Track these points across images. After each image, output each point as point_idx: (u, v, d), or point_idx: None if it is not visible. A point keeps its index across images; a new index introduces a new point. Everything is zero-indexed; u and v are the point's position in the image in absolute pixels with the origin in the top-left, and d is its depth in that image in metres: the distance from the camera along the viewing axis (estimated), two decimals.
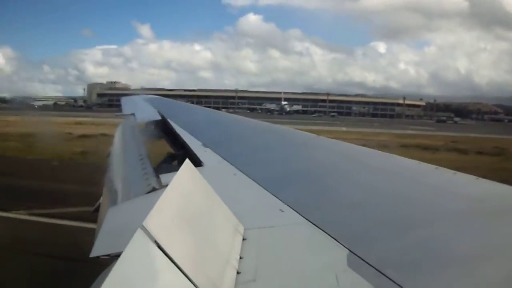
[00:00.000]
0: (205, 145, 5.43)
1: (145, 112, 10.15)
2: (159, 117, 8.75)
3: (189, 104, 14.84)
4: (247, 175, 3.96)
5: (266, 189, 3.49)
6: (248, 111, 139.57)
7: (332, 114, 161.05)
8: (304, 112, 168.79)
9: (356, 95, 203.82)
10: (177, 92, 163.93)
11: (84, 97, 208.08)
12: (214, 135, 6.90)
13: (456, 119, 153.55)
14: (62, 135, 42.94)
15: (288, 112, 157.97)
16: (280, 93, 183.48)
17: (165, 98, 15.26)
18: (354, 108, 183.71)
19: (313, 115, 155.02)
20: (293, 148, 5.84)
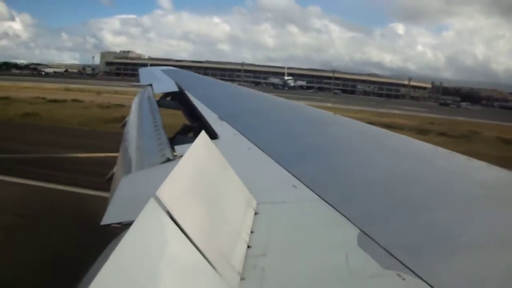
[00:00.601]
0: (221, 118, 5.41)
1: (162, 83, 10.14)
2: (176, 89, 8.74)
3: (206, 77, 14.81)
4: (262, 150, 3.95)
5: (280, 165, 3.48)
6: (254, 84, 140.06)
7: (336, 91, 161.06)
8: (309, 87, 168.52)
9: (369, 75, 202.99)
10: (184, 63, 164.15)
11: (93, 66, 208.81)
12: (231, 109, 6.89)
13: (463, 103, 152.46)
14: (34, 100, 46.83)
15: (293, 87, 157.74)
16: (285, 68, 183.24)
17: (183, 70, 15.19)
18: (358, 86, 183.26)
19: (309, 90, 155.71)
20: (309, 125, 5.81)
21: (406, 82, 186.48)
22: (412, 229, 2.36)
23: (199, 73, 18.01)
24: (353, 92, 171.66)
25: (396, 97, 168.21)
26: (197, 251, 1.70)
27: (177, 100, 8.39)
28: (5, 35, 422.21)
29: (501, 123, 63.26)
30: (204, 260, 1.71)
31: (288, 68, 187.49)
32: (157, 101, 8.02)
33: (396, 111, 71.62)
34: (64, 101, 49.76)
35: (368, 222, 2.36)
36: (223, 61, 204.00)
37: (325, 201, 2.68)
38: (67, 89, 69.41)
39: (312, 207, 2.67)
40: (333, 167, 3.68)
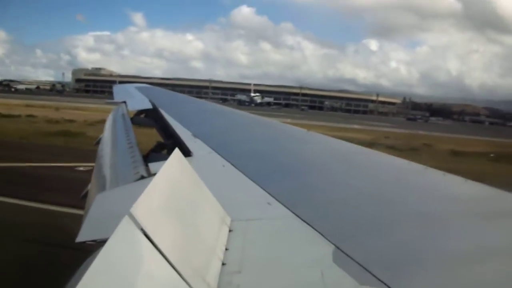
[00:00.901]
0: (195, 135, 5.42)
1: (136, 100, 10.11)
2: (150, 106, 8.72)
3: (180, 94, 14.78)
4: (235, 167, 3.96)
5: (254, 182, 3.49)
6: (221, 101, 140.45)
7: (302, 107, 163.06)
8: (276, 104, 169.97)
9: (339, 91, 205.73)
10: (154, 80, 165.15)
11: (63, 83, 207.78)
12: (205, 126, 6.90)
13: (433, 118, 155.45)
14: None
15: (260, 104, 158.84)
16: (251, 84, 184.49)
17: (156, 87, 15.18)
18: (326, 102, 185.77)
19: (273, 107, 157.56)
20: (283, 142, 5.84)
21: (374, 98, 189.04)
22: (387, 244, 2.38)
23: (169, 90, 18.01)
24: (320, 108, 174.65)
25: (364, 112, 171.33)
26: (172, 268, 1.70)
27: (151, 117, 8.38)
28: None
29: (462, 136, 65.47)
30: (179, 277, 1.71)
31: (256, 85, 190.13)
32: (131, 119, 8.00)
33: (356, 126, 72.76)
34: (18, 116, 50.55)
35: (343, 238, 2.37)
36: (191, 78, 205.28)
37: (300, 218, 2.68)
38: (28, 105, 69.94)
39: (286, 223, 2.68)
40: (308, 184, 3.70)
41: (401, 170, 4.08)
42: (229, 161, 4.14)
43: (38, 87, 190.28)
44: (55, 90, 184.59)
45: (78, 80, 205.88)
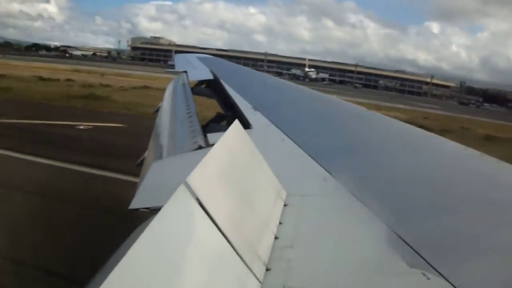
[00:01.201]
0: (255, 108, 5.41)
1: (197, 70, 10.17)
2: (211, 77, 8.76)
3: (242, 66, 14.78)
4: (294, 141, 3.93)
5: (311, 157, 3.46)
6: (275, 74, 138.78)
7: (356, 85, 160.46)
8: (331, 80, 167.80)
9: (396, 71, 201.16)
10: (209, 51, 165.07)
11: (119, 50, 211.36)
12: (265, 99, 6.87)
13: (486, 104, 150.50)
14: (25, 77, 49.24)
15: (315, 79, 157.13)
16: (306, 59, 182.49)
17: (218, 59, 15.23)
18: (380, 81, 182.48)
19: (324, 82, 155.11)
20: (342, 119, 5.77)
21: (428, 80, 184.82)
22: (440, 229, 2.33)
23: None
24: (375, 87, 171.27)
25: (418, 94, 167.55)
26: (225, 239, 1.70)
27: (211, 88, 8.42)
28: (40, 16, 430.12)
29: (508, 123, 62.38)
30: (231, 249, 1.71)
31: (311, 60, 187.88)
32: (192, 88, 8.05)
33: (401, 105, 70.75)
34: (57, 80, 51.09)
35: (396, 219, 2.34)
36: (247, 51, 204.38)
37: (355, 196, 2.65)
38: (75, 70, 71.19)
39: (341, 201, 2.65)
40: (365, 162, 3.65)
41: (459, 155, 3.96)
42: (288, 135, 4.11)
43: (94, 54, 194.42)
44: (110, 57, 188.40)
45: (134, 48, 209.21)
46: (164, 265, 1.38)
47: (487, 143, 33.21)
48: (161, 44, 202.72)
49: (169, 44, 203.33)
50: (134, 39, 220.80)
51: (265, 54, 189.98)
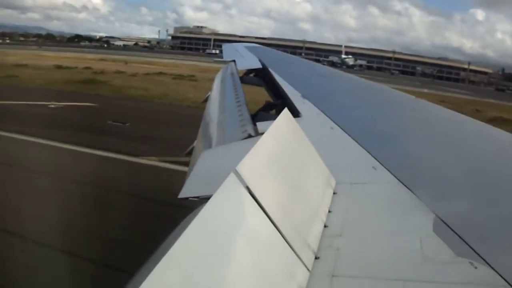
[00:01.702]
0: (304, 96, 5.39)
1: (246, 59, 10.20)
2: (259, 66, 8.77)
3: (289, 55, 14.73)
4: (343, 130, 3.90)
5: (361, 145, 3.43)
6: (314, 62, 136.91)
7: (392, 71, 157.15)
8: (369, 67, 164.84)
9: (439, 58, 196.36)
10: (248, 39, 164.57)
11: (159, 40, 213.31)
12: (314, 87, 6.84)
13: None
14: (44, 67, 50.98)
15: (351, 66, 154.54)
16: (343, 46, 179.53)
17: (266, 47, 15.20)
18: (418, 68, 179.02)
19: (354, 68, 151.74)
20: (392, 107, 5.69)
21: (466, 66, 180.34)
22: (488, 218, 2.29)
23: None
24: (413, 74, 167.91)
25: (456, 80, 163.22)
26: (274, 228, 1.71)
27: (260, 77, 8.43)
28: (84, 8, 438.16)
29: None
30: (281, 237, 1.72)
31: (348, 47, 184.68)
32: (240, 77, 8.08)
33: (425, 90, 68.43)
34: (74, 68, 52.10)
35: (444, 208, 2.31)
36: (285, 38, 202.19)
37: (404, 184, 2.63)
38: (102, 59, 71.79)
39: (390, 189, 2.63)
40: (414, 151, 3.61)
41: (509, 144, 3.85)
42: (337, 124, 4.09)
43: (136, 44, 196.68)
44: (149, 47, 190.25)
45: (174, 37, 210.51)
46: (215, 253, 1.40)
47: (490, 123, 32.47)
48: (202, 33, 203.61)
49: (210, 33, 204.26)
50: (176, 29, 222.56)
51: (303, 41, 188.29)
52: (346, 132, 3.83)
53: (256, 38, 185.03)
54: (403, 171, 2.86)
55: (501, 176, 2.99)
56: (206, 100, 8.31)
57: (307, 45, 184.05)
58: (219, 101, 6.61)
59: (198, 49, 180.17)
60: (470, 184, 2.79)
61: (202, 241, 1.38)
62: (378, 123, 4.55)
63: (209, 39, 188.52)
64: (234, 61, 9.85)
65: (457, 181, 2.84)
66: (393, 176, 2.78)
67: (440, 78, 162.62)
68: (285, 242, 1.74)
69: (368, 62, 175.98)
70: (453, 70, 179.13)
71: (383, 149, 3.43)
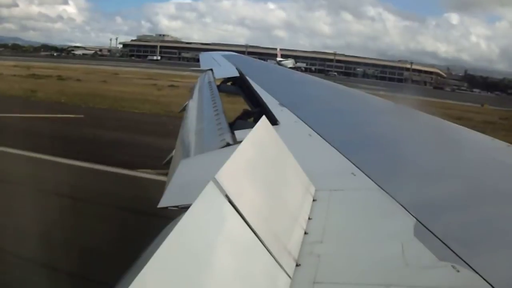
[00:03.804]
0: (282, 104, 5.40)
1: (223, 68, 10.21)
2: (237, 74, 8.77)
3: (267, 63, 14.80)
4: (322, 137, 3.92)
5: (340, 152, 3.44)
6: None
7: (332, 73, 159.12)
8: (307, 69, 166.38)
9: (399, 61, 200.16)
10: (212, 46, 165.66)
11: (111, 48, 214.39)
12: (291, 95, 6.86)
13: (476, 90, 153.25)
14: None
15: (290, 69, 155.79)
16: (278, 49, 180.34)
17: (244, 56, 15.27)
18: (358, 69, 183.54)
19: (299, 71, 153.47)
20: (370, 113, 5.74)
21: (408, 66, 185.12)
22: (470, 222, 2.31)
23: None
24: (355, 75, 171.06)
25: (400, 80, 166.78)
26: (254, 235, 1.70)
27: (237, 85, 8.43)
28: (59, 18, 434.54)
29: (459, 103, 66.18)
30: (261, 245, 1.72)
31: (283, 49, 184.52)
32: (218, 86, 8.08)
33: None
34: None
35: (425, 212, 2.31)
36: (226, 43, 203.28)
37: (384, 190, 2.64)
38: (25, 66, 71.76)
39: (370, 195, 2.64)
40: (393, 156, 3.63)
41: (487, 147, 3.93)
42: (315, 131, 4.10)
43: (95, 52, 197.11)
44: (96, 55, 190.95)
45: (125, 45, 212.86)
46: (195, 262, 1.39)
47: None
48: (152, 41, 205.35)
49: (173, 41, 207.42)
50: (140, 37, 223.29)
51: (246, 46, 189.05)
52: (325, 139, 3.84)
53: (202, 44, 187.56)
54: (383, 177, 2.87)
55: (481, 179, 3.02)
56: (183, 109, 8.29)
57: (249, 49, 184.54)
58: (197, 110, 6.59)
59: (145, 56, 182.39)
60: (450, 188, 2.82)
61: (182, 251, 1.37)
62: (357, 129, 4.58)
63: (155, 47, 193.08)
64: (211, 69, 9.85)
65: (437, 185, 2.86)
66: (372, 182, 2.79)
67: (383, 78, 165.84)
68: (266, 250, 1.73)
69: (309, 64, 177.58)
70: (397, 71, 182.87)
71: (362, 155, 3.44)
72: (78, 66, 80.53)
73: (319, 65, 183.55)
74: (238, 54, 15.17)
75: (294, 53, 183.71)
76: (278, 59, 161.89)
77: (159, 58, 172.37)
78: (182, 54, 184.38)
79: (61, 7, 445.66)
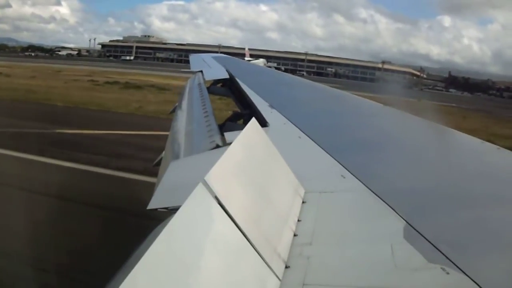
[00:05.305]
0: (271, 106, 5.40)
1: (213, 70, 10.19)
2: (227, 76, 8.76)
3: (257, 65, 14.80)
4: (311, 139, 3.92)
5: (329, 154, 3.45)
6: None
7: (301, 73, 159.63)
8: (277, 69, 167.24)
9: (382, 62, 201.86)
10: (192, 47, 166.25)
11: (89, 48, 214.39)
12: (281, 97, 6.88)
13: (452, 90, 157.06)
14: None
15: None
16: (246, 48, 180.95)
17: (234, 58, 15.25)
18: (329, 69, 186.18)
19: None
20: (360, 115, 5.76)
21: (380, 66, 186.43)
22: (459, 224, 2.32)
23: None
24: (326, 75, 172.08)
25: (372, 80, 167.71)
26: (244, 237, 1.70)
27: (227, 87, 8.42)
28: (52, 19, 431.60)
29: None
30: (250, 247, 1.72)
31: (251, 49, 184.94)
32: (208, 88, 8.07)
33: None
34: None
35: (414, 214, 2.32)
36: (200, 44, 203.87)
37: (373, 192, 2.64)
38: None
39: (359, 197, 2.64)
40: (382, 158, 3.64)
41: (476, 149, 3.94)
42: (305, 133, 4.11)
43: (78, 53, 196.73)
44: (76, 55, 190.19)
45: (103, 46, 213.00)
46: (184, 264, 1.39)
47: None
48: (132, 42, 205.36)
49: (159, 42, 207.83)
50: (125, 38, 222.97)
51: (219, 46, 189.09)
52: (314, 141, 3.84)
53: (177, 44, 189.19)
54: (372, 179, 2.88)
55: (470, 181, 3.03)
56: (173, 111, 8.27)
57: (222, 50, 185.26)
58: (187, 111, 6.57)
59: (120, 57, 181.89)
60: (439, 190, 2.83)
61: (172, 252, 1.37)
62: (346, 131, 4.59)
63: (131, 47, 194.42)
64: (201, 71, 9.83)
65: (426, 187, 2.88)
66: (362, 184, 2.79)
67: (355, 78, 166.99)
68: (255, 252, 1.73)
69: (280, 64, 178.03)
70: (369, 71, 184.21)
71: (351, 157, 3.45)
72: (37, 65, 79.03)
73: (291, 65, 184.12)
74: (228, 56, 15.16)
75: (267, 53, 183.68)
76: (247, 58, 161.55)
77: (132, 58, 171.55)
78: (157, 54, 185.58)
79: (54, 8, 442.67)
